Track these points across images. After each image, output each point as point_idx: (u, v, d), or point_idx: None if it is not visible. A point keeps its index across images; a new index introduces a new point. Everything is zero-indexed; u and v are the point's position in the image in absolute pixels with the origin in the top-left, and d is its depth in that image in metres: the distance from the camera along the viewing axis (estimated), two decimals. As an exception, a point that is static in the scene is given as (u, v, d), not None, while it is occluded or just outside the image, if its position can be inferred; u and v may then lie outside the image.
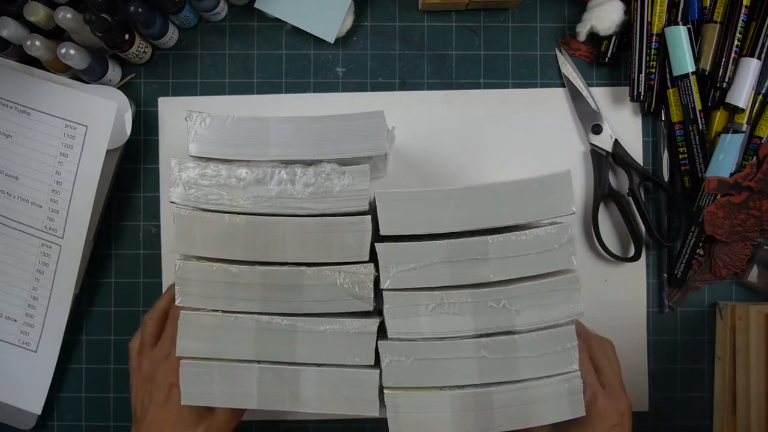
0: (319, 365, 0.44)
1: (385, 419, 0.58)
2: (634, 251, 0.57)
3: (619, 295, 0.58)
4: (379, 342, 0.43)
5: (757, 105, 0.54)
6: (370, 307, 0.43)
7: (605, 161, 0.57)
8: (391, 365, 0.43)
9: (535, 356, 0.43)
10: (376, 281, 0.44)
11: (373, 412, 0.43)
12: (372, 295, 0.43)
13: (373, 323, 0.43)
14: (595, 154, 0.57)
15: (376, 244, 0.43)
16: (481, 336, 0.43)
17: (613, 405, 0.47)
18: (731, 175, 0.54)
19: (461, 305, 0.43)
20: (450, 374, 0.43)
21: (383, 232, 0.42)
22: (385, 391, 0.43)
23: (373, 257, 0.43)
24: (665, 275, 0.58)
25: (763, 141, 0.55)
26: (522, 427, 0.43)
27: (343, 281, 0.43)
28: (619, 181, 0.58)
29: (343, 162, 0.43)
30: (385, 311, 0.43)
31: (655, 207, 0.58)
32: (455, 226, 0.42)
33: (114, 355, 0.58)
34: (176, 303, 0.44)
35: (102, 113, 0.53)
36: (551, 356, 0.43)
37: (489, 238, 0.42)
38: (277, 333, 0.43)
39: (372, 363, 0.43)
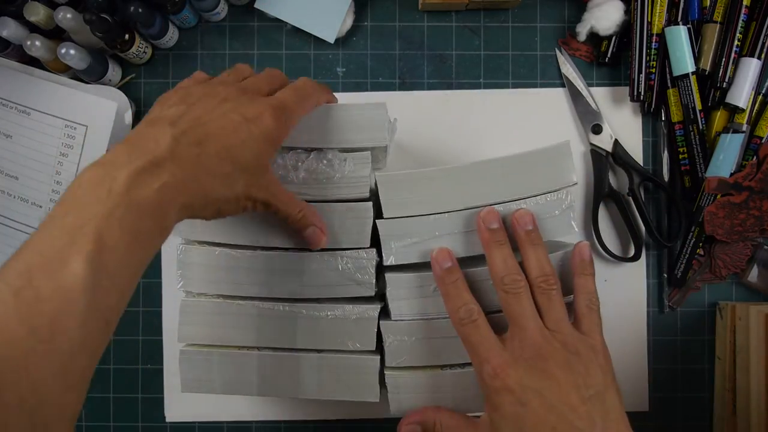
0: (319, 351, 0.44)
1: (386, 419, 0.58)
2: (634, 251, 0.57)
3: (619, 295, 0.58)
4: (381, 323, 0.43)
5: (757, 105, 0.54)
6: (371, 293, 0.43)
7: (605, 161, 0.57)
8: (393, 345, 0.43)
9: None
10: (378, 266, 0.44)
11: (374, 397, 0.43)
12: (373, 281, 0.43)
13: (374, 309, 0.43)
14: (595, 154, 0.57)
15: (377, 220, 0.43)
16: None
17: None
18: (731, 175, 0.54)
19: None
20: (453, 352, 0.43)
21: (386, 215, 0.42)
22: (386, 372, 0.43)
23: (374, 243, 0.43)
24: (665, 275, 0.58)
25: (763, 141, 0.55)
26: None
27: (344, 266, 0.43)
28: (619, 181, 0.58)
29: (343, 150, 0.43)
30: (387, 294, 0.43)
31: (655, 207, 0.58)
32: (457, 204, 0.42)
33: (114, 355, 0.58)
34: (178, 288, 0.44)
35: (102, 113, 0.53)
36: None
37: None
38: (278, 319, 0.43)
39: (373, 348, 0.44)
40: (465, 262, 0.43)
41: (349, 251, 0.43)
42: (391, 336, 0.43)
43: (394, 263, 0.43)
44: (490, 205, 0.42)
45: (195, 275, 0.44)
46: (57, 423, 0.26)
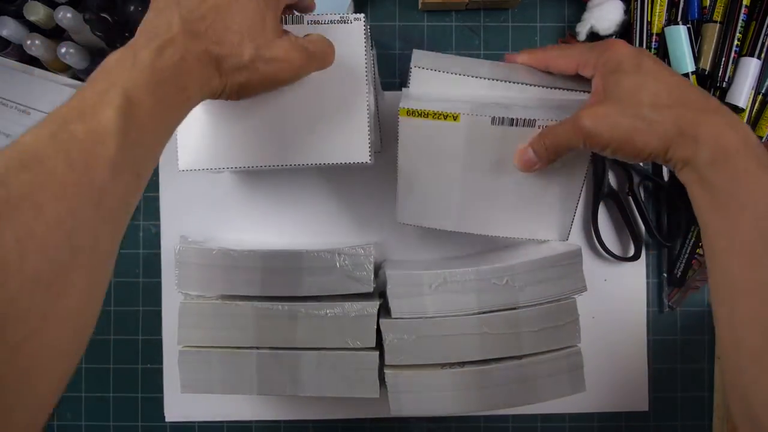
0: (318, 349, 0.44)
1: (385, 418, 0.58)
2: (634, 251, 0.57)
3: (619, 295, 0.58)
4: (381, 320, 0.43)
5: (757, 105, 0.54)
6: (369, 289, 0.43)
7: (605, 161, 0.57)
8: (393, 343, 0.43)
9: (536, 331, 0.43)
10: (376, 267, 0.44)
11: (374, 393, 0.44)
12: (372, 276, 0.43)
13: (373, 306, 0.43)
14: (595, 153, 0.57)
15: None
16: (483, 312, 0.43)
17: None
18: (731, 174, 0.54)
19: (465, 283, 0.43)
20: (452, 351, 0.43)
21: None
22: (386, 370, 0.43)
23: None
24: (665, 275, 0.58)
25: (763, 141, 0.55)
26: (523, 404, 0.44)
27: (342, 263, 0.43)
28: (619, 181, 0.58)
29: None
30: (388, 291, 0.43)
31: (655, 207, 0.58)
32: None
33: (114, 355, 0.58)
34: (176, 287, 0.44)
35: (102, 113, 0.53)
36: (552, 331, 0.43)
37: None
38: (277, 319, 0.44)
39: (373, 345, 0.44)
40: (470, 260, 0.43)
41: (346, 248, 0.43)
42: (391, 334, 0.43)
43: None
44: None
45: (192, 275, 0.44)
46: (93, 252, 0.28)
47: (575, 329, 0.44)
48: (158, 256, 0.57)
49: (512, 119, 0.40)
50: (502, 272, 0.43)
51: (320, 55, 0.41)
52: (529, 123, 0.40)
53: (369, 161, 0.43)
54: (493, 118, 0.40)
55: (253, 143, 0.43)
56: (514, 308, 0.43)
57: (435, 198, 0.43)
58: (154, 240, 0.58)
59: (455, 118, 0.40)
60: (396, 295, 0.43)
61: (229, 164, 0.43)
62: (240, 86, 0.38)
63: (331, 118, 0.42)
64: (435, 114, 0.41)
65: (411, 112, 0.41)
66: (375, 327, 0.43)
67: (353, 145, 0.42)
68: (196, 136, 0.43)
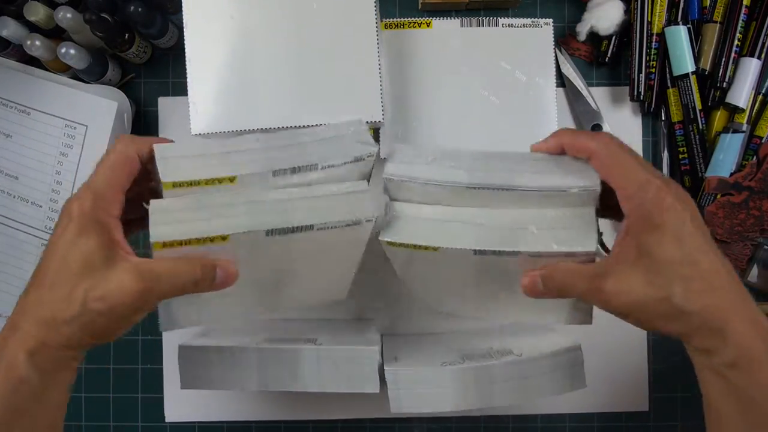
0: (317, 345, 0.44)
1: (385, 418, 0.58)
2: (634, 251, 0.57)
3: (619, 295, 0.58)
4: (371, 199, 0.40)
5: (757, 105, 0.54)
6: (374, 149, 0.40)
7: (605, 161, 0.57)
8: (392, 215, 0.40)
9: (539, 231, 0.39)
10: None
11: (374, 388, 0.43)
12: (373, 140, 0.41)
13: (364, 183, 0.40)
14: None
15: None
16: (473, 187, 0.39)
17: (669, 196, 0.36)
18: (731, 174, 0.54)
19: (459, 159, 0.40)
20: (448, 234, 0.39)
21: None
22: (386, 368, 0.43)
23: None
24: (665, 275, 0.57)
25: (763, 141, 0.55)
26: (523, 402, 0.43)
27: (342, 133, 0.41)
28: (619, 181, 0.58)
29: None
30: (386, 158, 0.41)
31: (655, 207, 0.58)
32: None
33: (113, 355, 0.58)
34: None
35: (102, 113, 0.53)
36: (558, 229, 0.39)
37: None
38: (271, 203, 0.39)
39: (371, 219, 0.39)
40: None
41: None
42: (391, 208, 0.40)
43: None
44: None
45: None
46: None
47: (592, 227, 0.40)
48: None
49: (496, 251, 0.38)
50: (498, 157, 0.40)
51: (169, 276, 0.35)
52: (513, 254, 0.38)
53: (381, 120, 0.44)
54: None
55: (266, 106, 0.44)
56: (513, 189, 0.39)
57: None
58: (154, 240, 0.58)
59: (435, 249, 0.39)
60: (392, 160, 0.40)
61: (243, 126, 0.43)
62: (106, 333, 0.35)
63: (344, 81, 0.44)
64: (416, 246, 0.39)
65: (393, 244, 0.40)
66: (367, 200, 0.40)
67: (366, 105, 0.44)
68: (209, 100, 0.44)
